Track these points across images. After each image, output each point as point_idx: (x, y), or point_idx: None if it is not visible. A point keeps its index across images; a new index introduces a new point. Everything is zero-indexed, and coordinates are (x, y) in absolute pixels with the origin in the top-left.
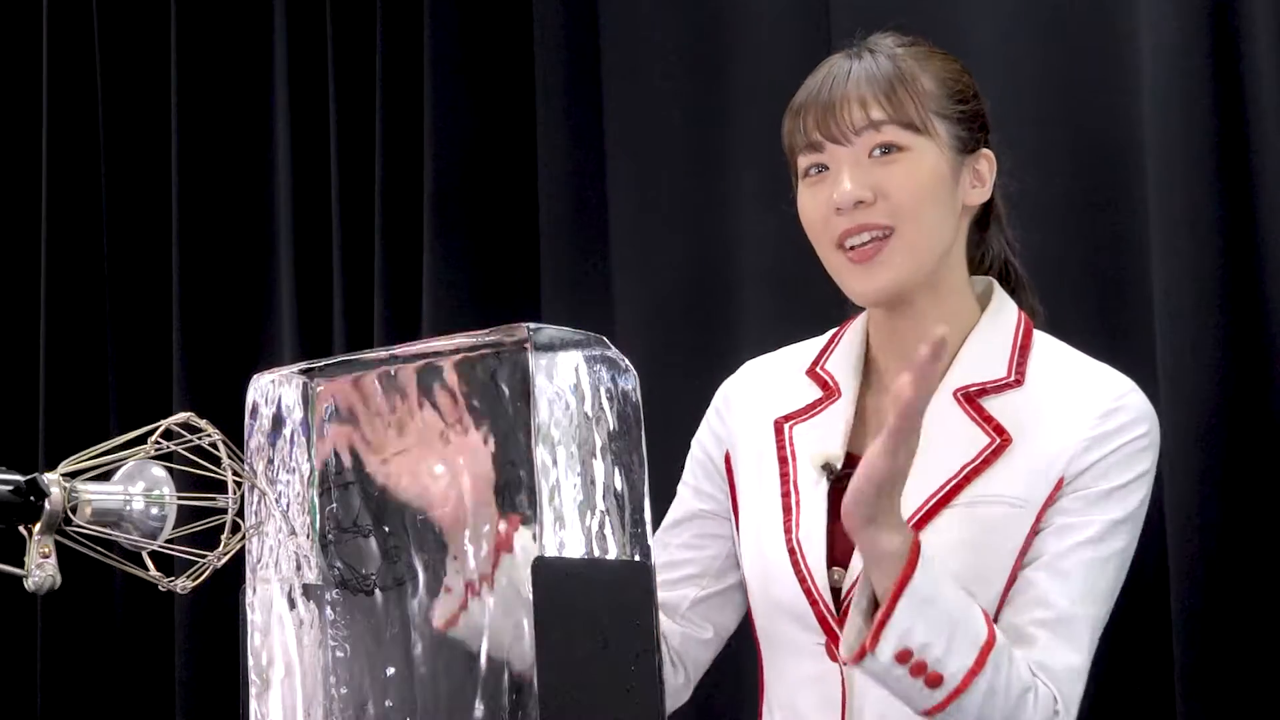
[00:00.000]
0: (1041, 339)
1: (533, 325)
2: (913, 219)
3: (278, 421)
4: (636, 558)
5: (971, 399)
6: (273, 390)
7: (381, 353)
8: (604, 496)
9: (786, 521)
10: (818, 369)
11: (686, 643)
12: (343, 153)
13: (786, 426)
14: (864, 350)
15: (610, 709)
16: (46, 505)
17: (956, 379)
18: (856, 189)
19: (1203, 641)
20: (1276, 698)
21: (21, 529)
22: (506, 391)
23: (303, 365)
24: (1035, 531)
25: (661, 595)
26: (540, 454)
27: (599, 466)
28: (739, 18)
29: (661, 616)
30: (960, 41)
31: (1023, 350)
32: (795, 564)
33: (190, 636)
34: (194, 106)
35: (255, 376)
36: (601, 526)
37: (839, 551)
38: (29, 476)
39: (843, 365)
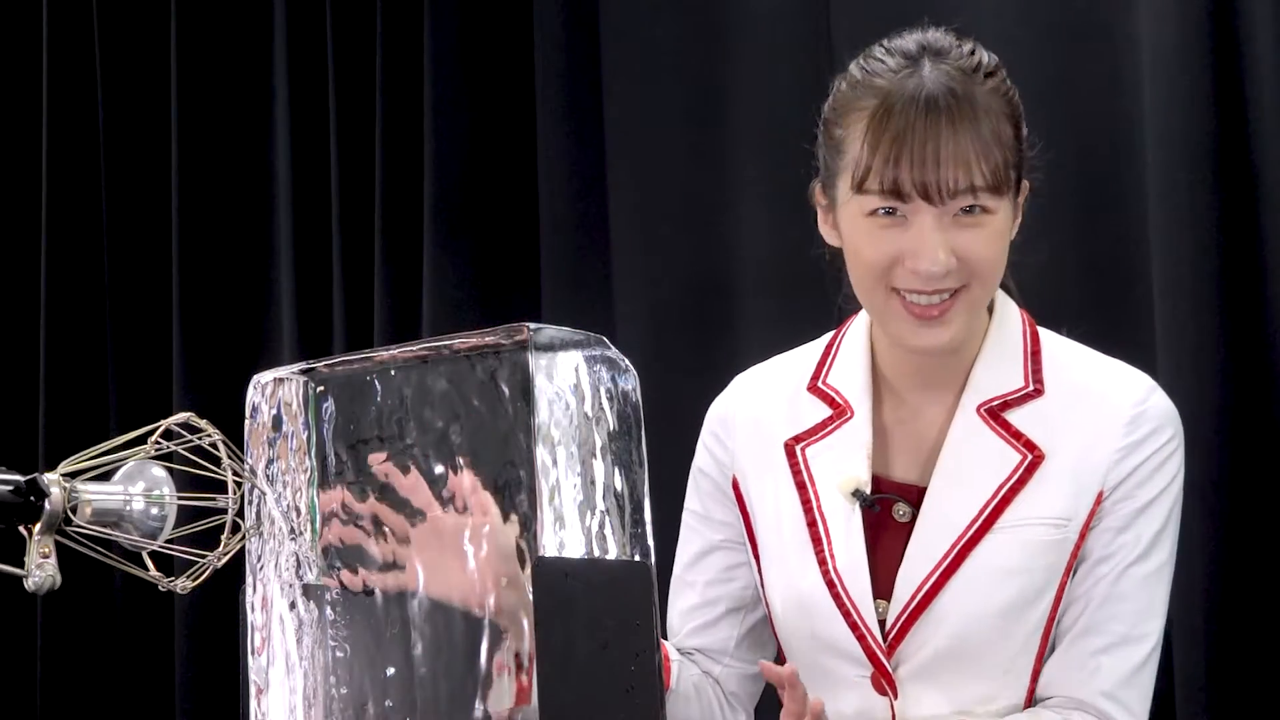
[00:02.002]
0: (1049, 340)
1: (533, 325)
2: (984, 282)
3: (278, 421)
4: (636, 558)
5: (996, 414)
6: (273, 390)
7: (381, 353)
8: (604, 496)
9: (819, 552)
10: (820, 384)
11: (742, 683)
12: (343, 153)
13: (799, 449)
14: (871, 364)
15: (610, 709)
16: (46, 505)
17: (977, 394)
18: (945, 259)
19: (1203, 642)
20: (1277, 699)
21: (21, 529)
22: (506, 391)
23: (303, 365)
24: (1079, 548)
25: (703, 639)
26: (540, 454)
27: (599, 466)
28: (739, 17)
29: (707, 661)
30: None
31: (1034, 356)
32: (837, 597)
33: (190, 636)
34: (194, 106)
35: (255, 376)
36: (601, 526)
37: (881, 584)
38: (29, 476)
39: (850, 381)
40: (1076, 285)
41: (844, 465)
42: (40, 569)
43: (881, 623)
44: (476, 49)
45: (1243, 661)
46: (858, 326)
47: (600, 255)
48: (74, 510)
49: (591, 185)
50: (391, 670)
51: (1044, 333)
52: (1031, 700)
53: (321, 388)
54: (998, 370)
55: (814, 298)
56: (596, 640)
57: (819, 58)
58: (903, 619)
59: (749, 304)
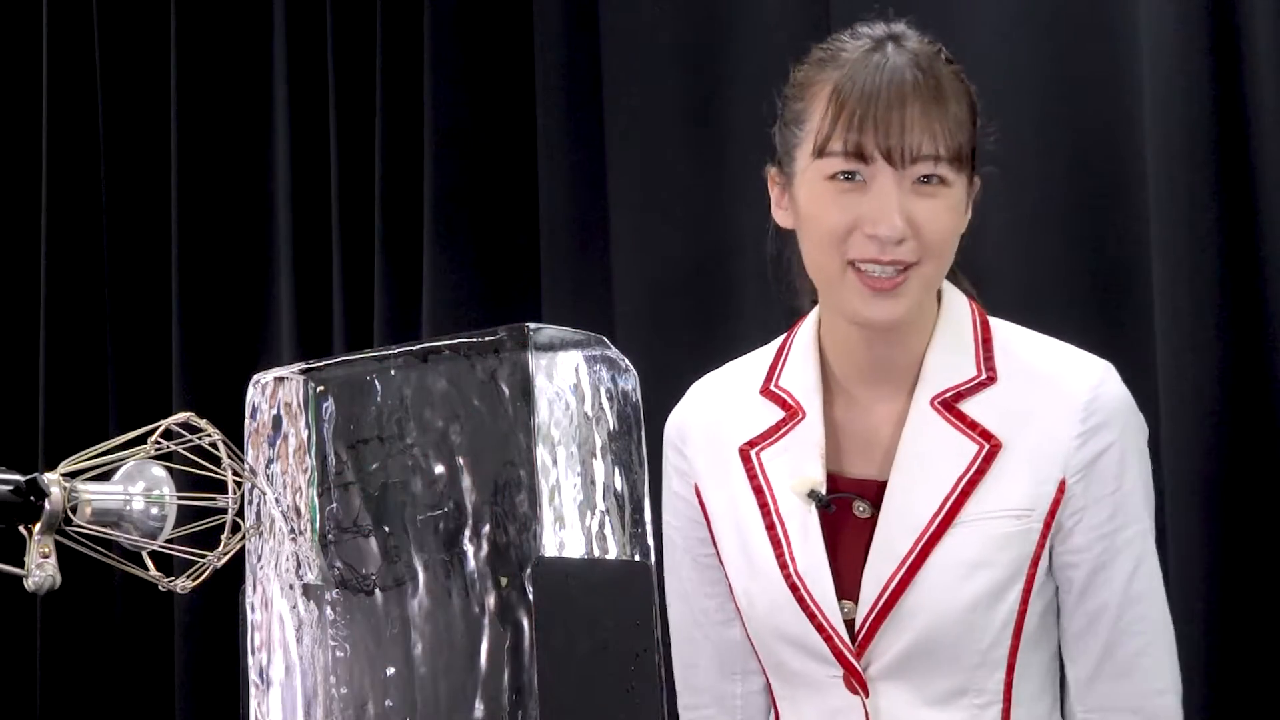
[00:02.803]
0: (999, 327)
1: (533, 325)
2: (937, 257)
3: (278, 421)
4: (636, 558)
5: (950, 405)
6: (273, 390)
7: (381, 352)
8: (604, 496)
9: (780, 555)
10: (772, 388)
11: (749, 700)
12: (343, 153)
13: (754, 453)
14: (820, 363)
15: (610, 709)
16: (46, 505)
17: (930, 386)
18: (903, 225)
19: (1203, 642)
20: (1277, 698)
21: (21, 529)
22: (506, 391)
23: (303, 365)
24: (1045, 538)
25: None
26: (540, 454)
27: (599, 466)
28: (739, 17)
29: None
30: (960, 41)
31: (985, 344)
32: (801, 600)
33: (190, 636)
34: (194, 106)
35: (255, 376)
36: (601, 526)
37: (846, 583)
38: (29, 476)
39: (800, 382)
40: (1077, 285)
41: (798, 467)
42: (40, 569)
43: (850, 623)
44: (476, 49)
45: (1243, 661)
46: (807, 328)
47: (600, 255)
48: (74, 510)
49: (591, 185)
50: (391, 670)
51: (995, 321)
52: (1011, 690)
53: (321, 388)
54: (949, 361)
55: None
56: (596, 640)
57: None
58: (870, 619)
59: (749, 304)
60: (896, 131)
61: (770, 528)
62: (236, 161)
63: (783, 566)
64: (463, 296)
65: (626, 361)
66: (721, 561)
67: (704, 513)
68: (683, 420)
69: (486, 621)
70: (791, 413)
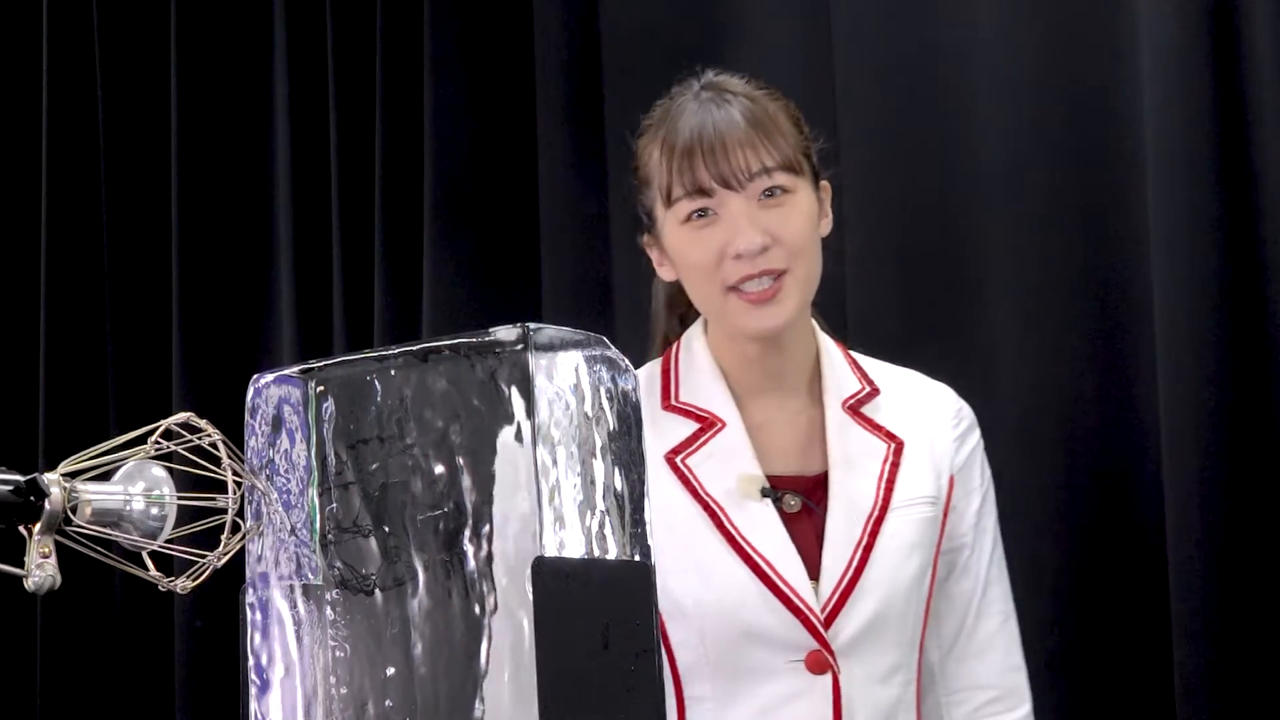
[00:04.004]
0: (859, 356)
1: (533, 325)
2: (802, 259)
3: (277, 421)
4: (636, 558)
5: (856, 410)
6: (272, 390)
7: (381, 352)
8: (604, 496)
9: (740, 549)
10: (674, 403)
11: None
12: (343, 153)
13: (679, 460)
14: (722, 378)
15: (610, 709)
16: (46, 505)
17: (835, 393)
18: (760, 237)
19: (1203, 642)
20: (1277, 698)
21: (21, 529)
22: (506, 391)
23: (302, 365)
24: (944, 527)
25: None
26: (540, 454)
27: (599, 466)
28: (739, 18)
29: None
30: (960, 41)
31: (856, 366)
32: (773, 586)
33: (190, 636)
34: (194, 106)
35: (255, 377)
36: (601, 526)
37: (808, 566)
38: (29, 476)
39: (709, 396)
40: (1077, 285)
41: (733, 468)
42: (40, 569)
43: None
44: (477, 49)
45: (1243, 661)
46: (694, 349)
47: (600, 255)
48: (74, 510)
49: (591, 185)
50: (391, 670)
51: (852, 352)
52: (920, 668)
53: (321, 388)
54: (839, 374)
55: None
56: (596, 640)
57: (819, 57)
58: (835, 597)
59: None
60: (724, 159)
61: (720, 526)
62: (236, 161)
63: (747, 559)
64: (463, 296)
65: (626, 361)
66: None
67: None
68: None
69: (486, 621)
70: (707, 423)
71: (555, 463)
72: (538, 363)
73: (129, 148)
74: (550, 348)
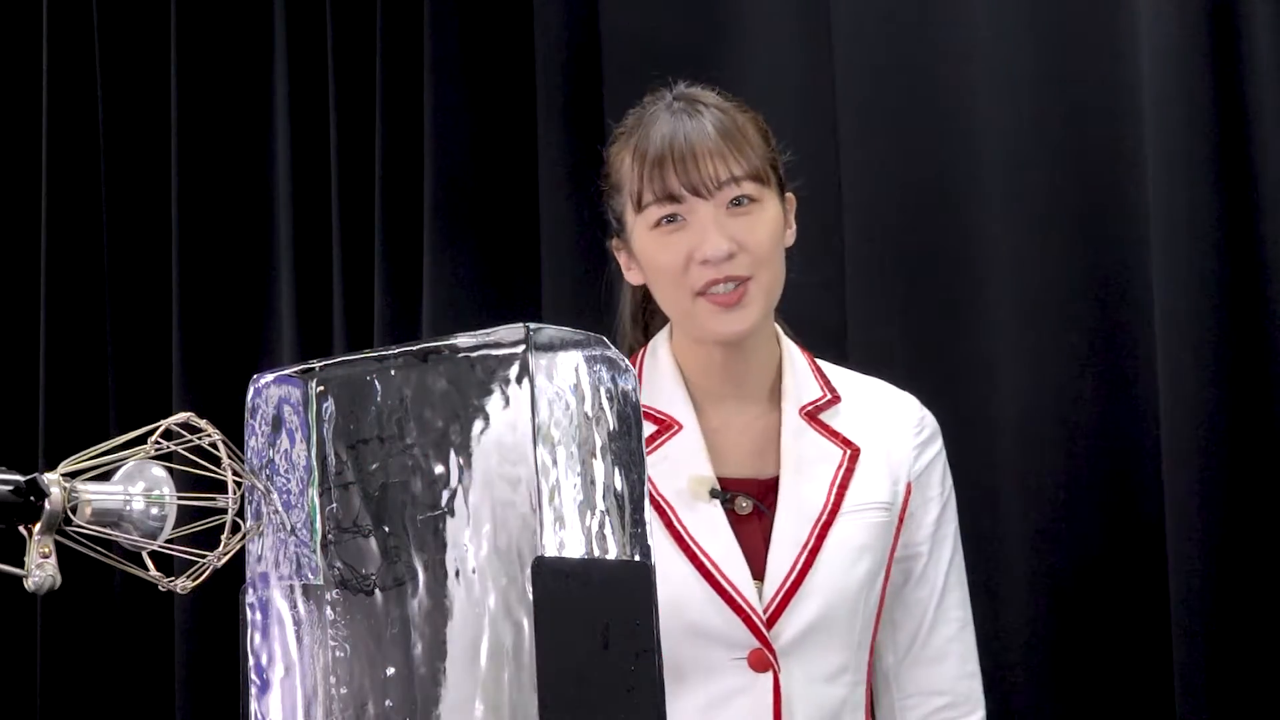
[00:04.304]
0: (825, 364)
1: (533, 325)
2: (767, 266)
3: (277, 421)
4: (636, 558)
5: (813, 416)
6: (272, 390)
7: (381, 352)
8: (604, 496)
9: (686, 548)
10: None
11: None
12: (343, 153)
13: None
14: (683, 382)
15: (610, 709)
16: (46, 505)
17: (794, 400)
18: (726, 244)
19: (1203, 642)
20: (1277, 699)
21: (21, 529)
22: (507, 391)
23: (303, 365)
24: (899, 534)
25: None
26: (540, 454)
27: (599, 466)
28: (739, 18)
29: None
30: (960, 41)
31: (820, 373)
32: (716, 585)
33: (190, 637)
34: (194, 106)
35: (255, 377)
36: (601, 526)
37: (754, 567)
38: (29, 476)
39: (669, 399)
40: (1077, 285)
41: (686, 469)
42: (40, 569)
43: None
44: (477, 49)
45: (1243, 661)
46: (659, 353)
47: (600, 255)
48: (74, 510)
49: (591, 185)
50: (391, 670)
51: (818, 360)
52: (871, 669)
53: (321, 388)
54: (800, 381)
55: (811, 298)
56: (596, 640)
57: (820, 57)
58: (779, 597)
59: None
60: (694, 168)
61: (669, 525)
62: (236, 161)
63: (692, 558)
64: (463, 296)
65: (626, 361)
66: None
67: None
68: None
69: (486, 621)
70: (665, 425)
71: (555, 463)
72: (538, 363)
73: (129, 148)
74: (550, 348)
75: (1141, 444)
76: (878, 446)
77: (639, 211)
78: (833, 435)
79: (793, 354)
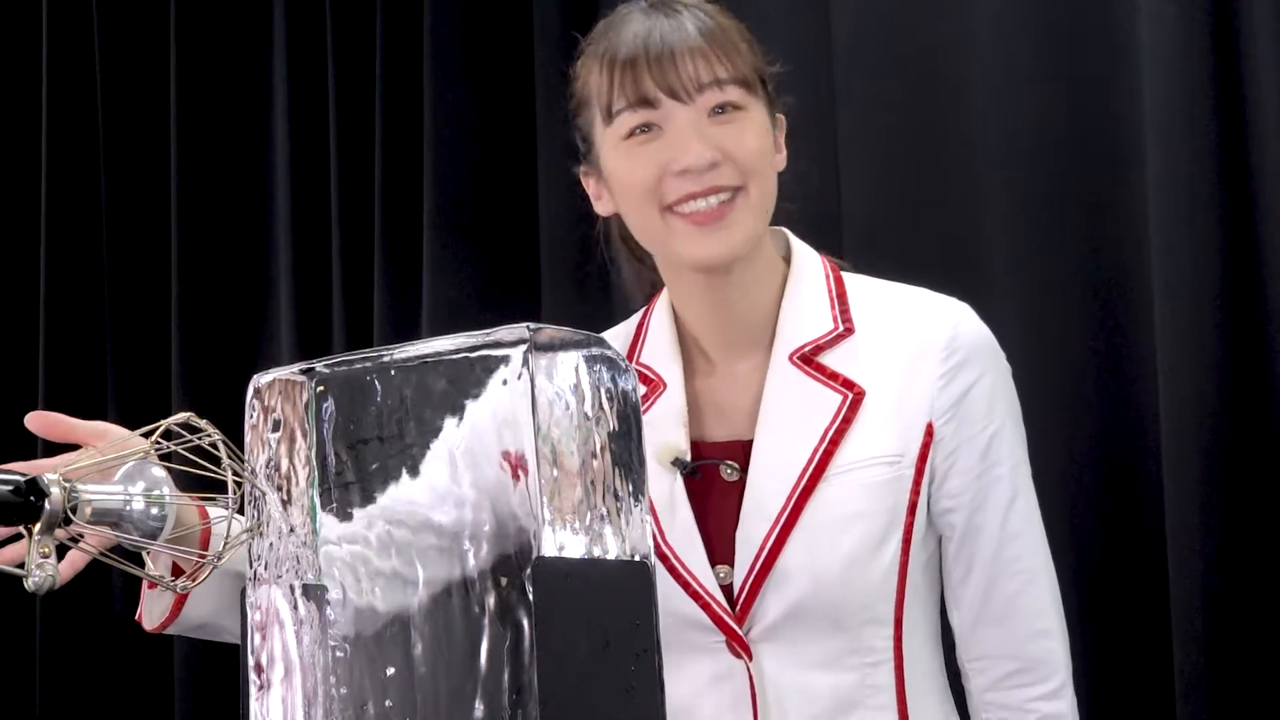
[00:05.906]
0: (854, 280)
1: (533, 325)
2: (757, 178)
3: (277, 422)
4: (636, 558)
5: (809, 359)
6: (272, 390)
7: (381, 352)
8: (604, 497)
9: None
10: (634, 364)
11: None
12: (343, 154)
13: None
14: (676, 334)
15: (610, 709)
16: (46, 505)
17: (786, 343)
18: (709, 150)
19: (1203, 642)
20: (1277, 699)
21: (22, 529)
22: (506, 391)
23: (303, 365)
24: (919, 484)
25: None
26: (540, 454)
27: (599, 466)
28: (739, 18)
29: None
30: (960, 41)
31: (840, 297)
32: (673, 569)
33: (190, 637)
34: (193, 106)
35: (255, 376)
36: (601, 527)
37: (720, 548)
38: (29, 476)
39: (659, 355)
40: (1077, 285)
41: (660, 436)
42: (40, 569)
43: (727, 588)
44: (477, 49)
45: (1243, 661)
46: (661, 302)
47: (600, 256)
48: (74, 510)
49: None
50: (391, 670)
51: (850, 275)
52: (902, 646)
53: (321, 388)
54: (804, 316)
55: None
56: (596, 640)
57: (820, 57)
58: (749, 582)
59: None
60: (671, 68)
61: None
62: (236, 162)
63: (655, 542)
64: (463, 296)
65: (626, 361)
66: None
67: None
68: None
69: (486, 621)
70: (653, 386)
71: (555, 463)
72: (538, 363)
73: (129, 148)
74: (550, 348)
75: (1141, 444)
76: (890, 385)
77: (609, 123)
78: (831, 378)
79: (801, 281)
